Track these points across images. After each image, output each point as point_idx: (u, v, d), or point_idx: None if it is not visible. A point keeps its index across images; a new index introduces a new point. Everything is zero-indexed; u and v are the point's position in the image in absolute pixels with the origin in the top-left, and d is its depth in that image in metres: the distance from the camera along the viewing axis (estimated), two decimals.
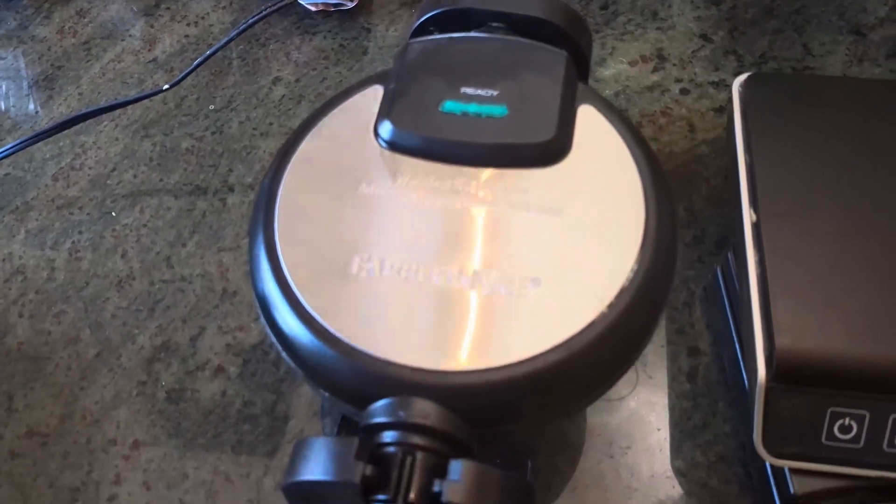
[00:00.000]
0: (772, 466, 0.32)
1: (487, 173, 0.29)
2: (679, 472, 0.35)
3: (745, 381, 0.35)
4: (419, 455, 0.24)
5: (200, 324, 0.39)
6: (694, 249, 0.41)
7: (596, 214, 0.28)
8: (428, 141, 0.29)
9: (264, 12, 0.46)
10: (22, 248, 0.42)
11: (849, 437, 0.30)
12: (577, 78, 0.32)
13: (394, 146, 0.30)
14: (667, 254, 0.28)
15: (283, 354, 0.27)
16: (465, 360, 0.25)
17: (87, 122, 0.44)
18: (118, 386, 0.38)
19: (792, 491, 0.31)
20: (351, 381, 0.26)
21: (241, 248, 0.41)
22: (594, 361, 0.26)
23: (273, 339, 0.28)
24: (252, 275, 0.29)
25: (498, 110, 0.30)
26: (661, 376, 0.37)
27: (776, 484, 0.32)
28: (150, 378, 0.38)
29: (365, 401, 0.25)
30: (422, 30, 0.35)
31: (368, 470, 0.24)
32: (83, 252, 0.42)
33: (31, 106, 0.47)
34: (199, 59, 0.43)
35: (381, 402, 0.25)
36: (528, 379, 0.25)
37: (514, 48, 0.32)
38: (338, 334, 0.26)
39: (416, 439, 0.24)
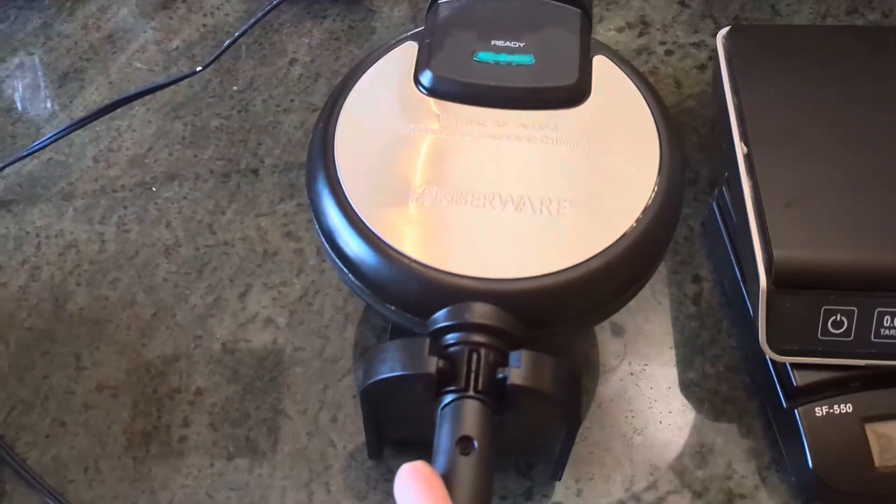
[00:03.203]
0: (774, 364, 0.36)
1: (520, 114, 0.33)
2: (693, 383, 0.39)
3: (746, 299, 0.39)
4: (483, 351, 0.28)
5: (246, 282, 0.43)
6: (689, 191, 0.45)
7: (619, 147, 0.32)
8: (466, 86, 0.33)
9: (277, 0, 0.49)
10: (72, 224, 0.45)
11: (840, 331, 0.34)
12: (590, 32, 0.36)
13: (434, 92, 0.34)
14: (679, 177, 0.33)
15: (351, 278, 0.31)
16: (517, 268, 0.29)
17: (121, 108, 0.47)
18: (176, 341, 0.41)
19: (794, 384, 0.35)
20: (418, 292, 0.29)
21: (277, 213, 0.45)
22: (627, 266, 0.30)
23: (340, 265, 0.31)
24: (315, 209, 0.32)
25: (526, 59, 0.34)
26: (669, 302, 0.42)
27: (779, 380, 0.36)
28: (205, 332, 0.41)
29: (430, 311, 0.29)
30: None
31: (441, 363, 0.28)
32: (130, 224, 0.45)
33: (64, 97, 0.50)
34: (228, 41, 0.47)
35: (446, 309, 0.29)
36: (573, 283, 0.29)
37: (534, 6, 0.36)
38: (405, 252, 0.29)
39: (479, 337, 0.28)
